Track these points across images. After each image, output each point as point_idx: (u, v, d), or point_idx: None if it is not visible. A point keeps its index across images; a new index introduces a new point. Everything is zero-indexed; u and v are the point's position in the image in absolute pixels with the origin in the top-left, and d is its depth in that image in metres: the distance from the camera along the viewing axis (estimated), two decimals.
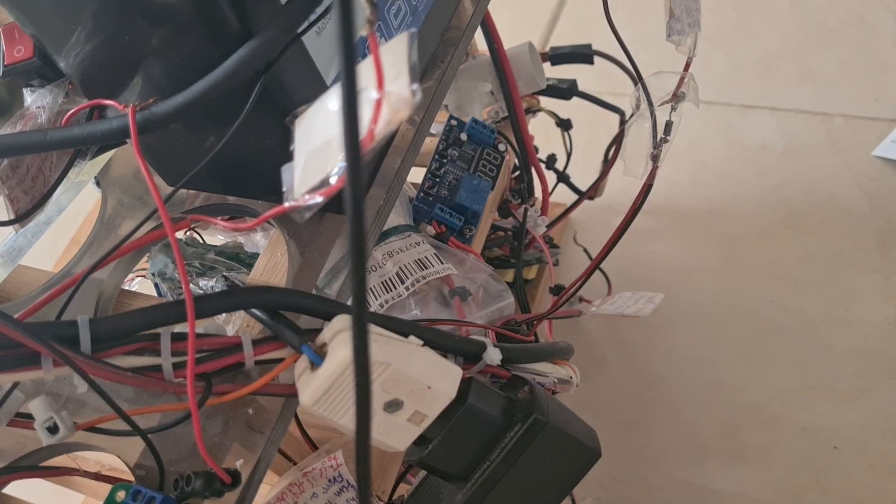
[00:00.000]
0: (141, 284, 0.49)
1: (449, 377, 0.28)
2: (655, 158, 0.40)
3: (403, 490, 0.45)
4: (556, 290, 0.57)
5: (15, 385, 0.27)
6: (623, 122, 0.60)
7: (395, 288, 0.45)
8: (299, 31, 0.26)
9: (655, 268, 0.65)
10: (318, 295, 0.29)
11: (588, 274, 0.44)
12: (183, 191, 0.38)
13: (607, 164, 0.62)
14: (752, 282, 0.64)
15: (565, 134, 0.62)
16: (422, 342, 0.29)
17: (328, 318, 0.28)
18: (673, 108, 0.40)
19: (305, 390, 0.26)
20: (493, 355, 0.31)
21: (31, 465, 0.29)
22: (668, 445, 0.58)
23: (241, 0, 0.24)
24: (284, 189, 0.25)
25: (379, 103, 0.21)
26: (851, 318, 0.61)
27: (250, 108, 0.26)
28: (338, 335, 0.27)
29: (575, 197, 0.65)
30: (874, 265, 0.63)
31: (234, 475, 0.26)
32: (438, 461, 0.30)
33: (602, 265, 0.62)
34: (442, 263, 0.47)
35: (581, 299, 0.65)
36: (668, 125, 0.40)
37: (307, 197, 0.23)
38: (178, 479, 0.26)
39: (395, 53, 0.21)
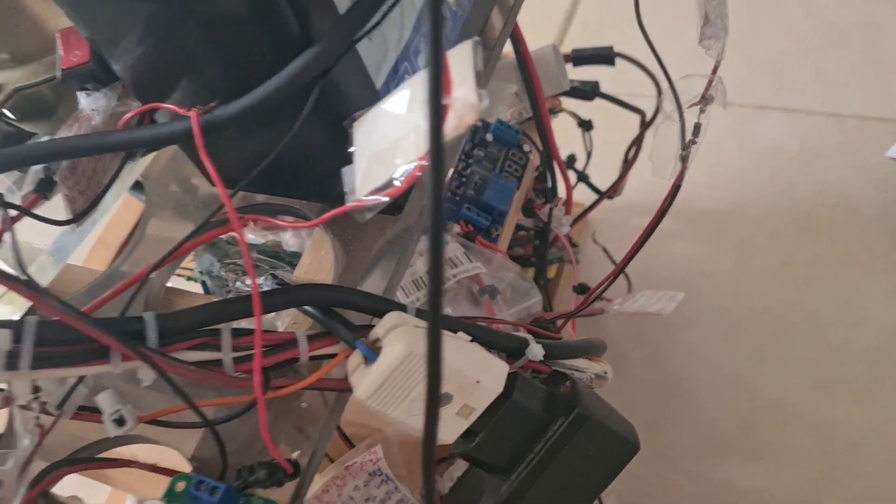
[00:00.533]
0: (173, 281, 0.50)
1: (496, 372, 0.29)
2: (685, 160, 0.41)
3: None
4: (581, 288, 0.58)
5: (80, 379, 0.28)
6: (643, 124, 0.61)
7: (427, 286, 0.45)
8: (356, 38, 0.27)
9: (674, 268, 0.66)
10: (370, 293, 0.30)
11: (617, 273, 0.44)
12: (212, 191, 0.39)
13: (627, 164, 0.63)
14: (766, 282, 0.65)
15: (586, 134, 0.62)
16: (470, 338, 0.30)
17: (380, 315, 0.29)
18: (702, 111, 0.41)
19: (360, 384, 0.27)
20: (536, 351, 0.32)
21: (91, 458, 0.30)
22: (687, 443, 0.59)
23: (304, 9, 0.25)
24: (346, 190, 0.26)
25: (446, 108, 0.22)
26: (863, 318, 0.62)
27: (308, 112, 0.27)
28: (392, 331, 0.28)
29: (594, 196, 0.66)
30: (886, 266, 0.64)
31: (295, 465, 0.27)
32: (483, 454, 0.31)
33: (616, 261, 0.63)
34: (471, 262, 0.48)
35: (601, 297, 0.66)
36: (697, 127, 0.41)
37: (371, 198, 0.24)
38: (241, 469, 0.27)
39: (461, 60, 0.22)
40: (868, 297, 0.62)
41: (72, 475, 0.31)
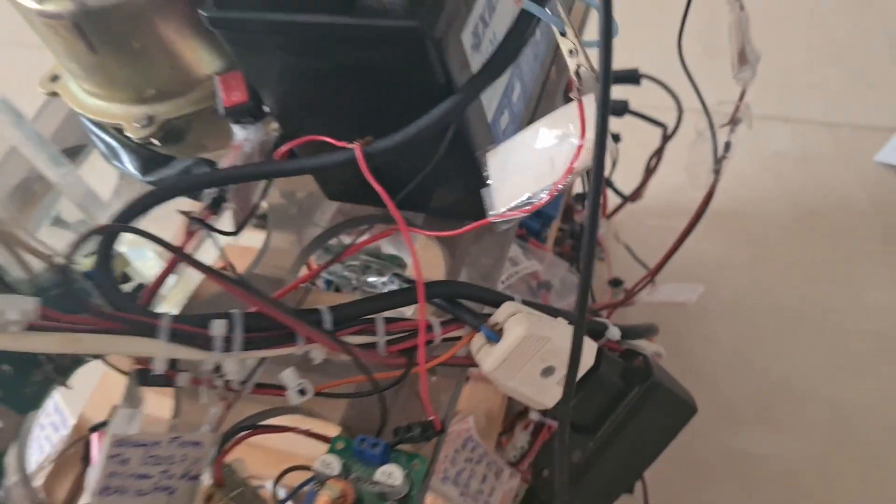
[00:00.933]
0: None
1: (588, 349, 0.36)
2: (717, 173, 0.49)
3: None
4: (615, 282, 0.65)
5: (262, 361, 0.34)
6: (665, 136, 0.69)
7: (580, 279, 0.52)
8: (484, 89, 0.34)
9: (692, 263, 0.74)
10: (488, 287, 0.37)
11: (658, 268, 0.52)
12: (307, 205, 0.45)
13: (648, 171, 0.70)
14: (775, 275, 0.73)
15: (613, 146, 0.70)
16: (567, 321, 0.37)
17: (495, 305, 0.36)
18: (731, 131, 0.48)
19: (486, 360, 0.34)
20: (614, 332, 0.39)
21: (263, 425, 0.37)
22: (707, 419, 0.66)
23: (449, 68, 0.32)
24: (486, 206, 0.33)
25: (580, 148, 0.29)
26: (862, 305, 0.70)
27: (446, 146, 0.34)
28: (511, 318, 0.35)
29: (618, 200, 0.74)
30: (881, 260, 0.72)
31: (443, 424, 0.34)
32: (574, 416, 0.38)
33: (644, 260, 0.71)
34: (528, 260, 0.55)
35: (626, 291, 0.73)
36: (728, 145, 0.49)
37: (511, 213, 0.31)
38: (397, 428, 0.34)
39: (590, 109, 0.29)
40: (866, 287, 0.70)
41: None
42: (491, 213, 0.32)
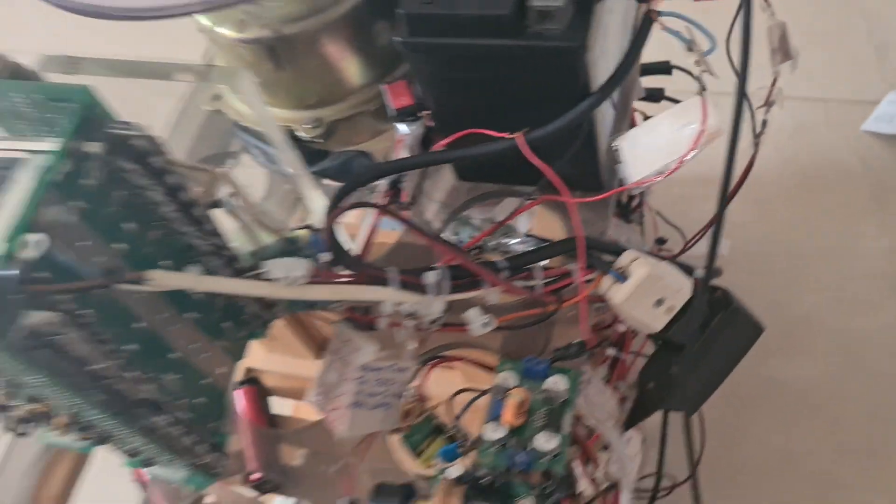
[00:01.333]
0: None
1: (688, 284, 0.47)
2: (757, 146, 0.60)
3: None
4: (660, 241, 0.77)
5: (450, 304, 0.45)
6: None
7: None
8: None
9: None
10: (612, 240, 0.48)
11: (708, 227, 0.63)
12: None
13: None
14: (781, 229, 0.85)
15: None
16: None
17: (617, 254, 0.47)
18: (767, 111, 0.60)
19: (617, 295, 0.45)
20: (699, 273, 0.50)
21: (446, 355, 0.47)
22: None
23: (589, 75, 0.42)
24: (622, 177, 0.43)
25: (700, 133, 0.40)
26: (862, 251, 0.83)
27: (583, 137, 0.45)
28: (633, 262, 0.45)
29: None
30: (872, 213, 0.85)
31: (593, 343, 0.45)
32: (673, 336, 0.49)
33: (670, 221, 0.82)
34: None
35: (660, 249, 0.85)
36: (764, 123, 0.60)
37: (644, 181, 0.42)
38: (556, 349, 0.45)
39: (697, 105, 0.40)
40: (861, 236, 0.83)
41: None
42: (627, 182, 0.43)
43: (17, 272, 0.31)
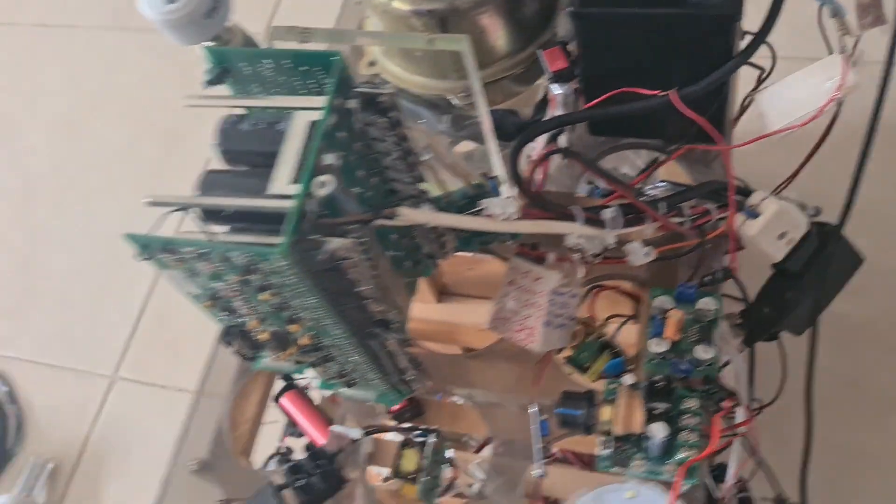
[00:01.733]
0: None
1: (805, 220, 0.55)
2: (840, 104, 0.67)
3: None
4: None
5: (618, 238, 0.52)
6: (760, 79, 0.87)
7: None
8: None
9: (761, 175, 0.94)
10: (744, 183, 0.55)
11: (794, 175, 0.71)
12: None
13: (742, 108, 0.89)
14: (834, 181, 0.94)
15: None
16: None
17: (747, 195, 0.54)
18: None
19: (751, 229, 0.52)
20: (811, 211, 0.58)
21: (601, 284, 0.55)
22: None
23: (735, 39, 0.49)
24: (764, 126, 0.51)
25: (839, 86, 0.47)
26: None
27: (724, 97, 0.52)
28: (763, 200, 0.53)
29: None
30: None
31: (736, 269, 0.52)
32: (789, 266, 0.57)
33: None
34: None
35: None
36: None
37: (787, 128, 0.49)
38: (704, 276, 0.52)
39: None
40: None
41: None
42: (767, 130, 0.50)
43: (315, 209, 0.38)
